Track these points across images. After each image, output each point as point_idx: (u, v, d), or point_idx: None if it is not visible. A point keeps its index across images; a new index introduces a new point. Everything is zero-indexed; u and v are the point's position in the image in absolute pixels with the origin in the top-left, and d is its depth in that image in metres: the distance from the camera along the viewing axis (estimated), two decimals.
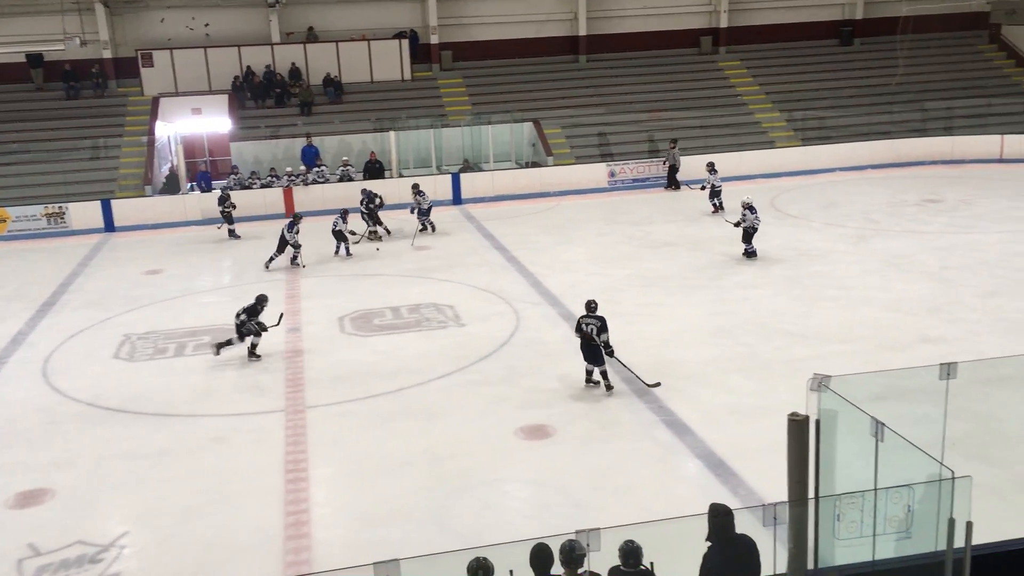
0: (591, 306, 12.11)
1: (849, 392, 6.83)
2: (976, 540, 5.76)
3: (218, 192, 23.74)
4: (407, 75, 29.87)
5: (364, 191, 21.83)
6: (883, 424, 5.77)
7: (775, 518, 5.25)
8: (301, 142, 26.73)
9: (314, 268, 19.27)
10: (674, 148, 26.32)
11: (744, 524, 6.06)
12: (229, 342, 13.91)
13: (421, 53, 30.52)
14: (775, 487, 7.33)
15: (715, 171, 23.02)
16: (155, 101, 27.69)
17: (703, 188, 23.60)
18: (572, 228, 22.04)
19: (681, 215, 22.75)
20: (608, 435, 10.90)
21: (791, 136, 28.85)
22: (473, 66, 30.86)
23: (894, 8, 31.69)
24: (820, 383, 6.49)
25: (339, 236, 20.13)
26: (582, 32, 31.27)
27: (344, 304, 16.59)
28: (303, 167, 25.72)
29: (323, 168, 25.70)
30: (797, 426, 6.41)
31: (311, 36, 29.77)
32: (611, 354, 11.96)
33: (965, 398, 8.00)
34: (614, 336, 12.06)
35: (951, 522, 5.15)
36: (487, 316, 15.57)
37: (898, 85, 30.54)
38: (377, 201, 21.62)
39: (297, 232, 19.18)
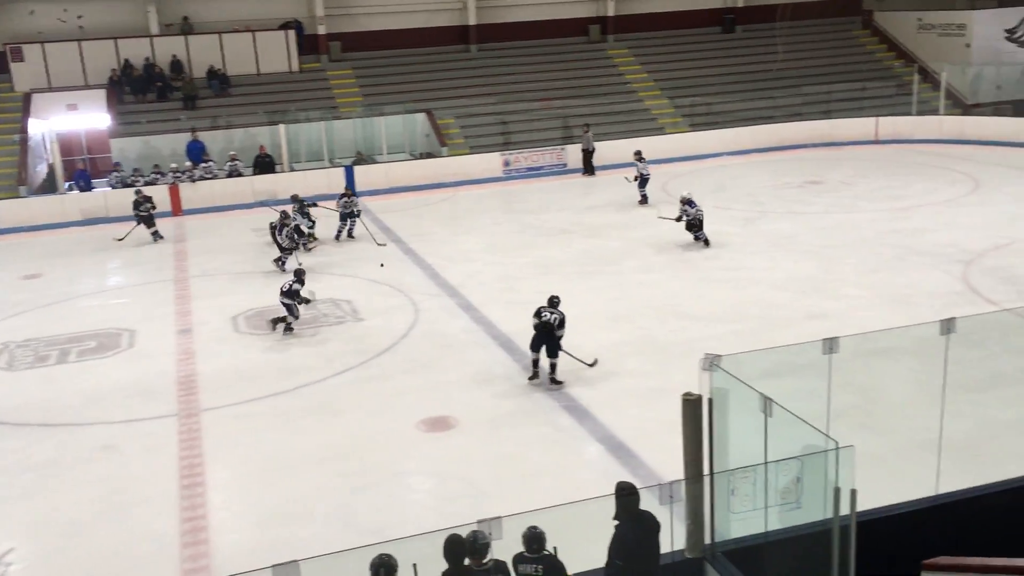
0: (554, 300, 12.03)
1: (740, 370, 7.03)
2: (861, 507, 6.02)
3: (106, 190, 22.69)
4: (295, 67, 29.26)
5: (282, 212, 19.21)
6: (771, 400, 5.96)
7: (671, 496, 5.38)
8: (186, 137, 25.87)
9: (206, 267, 18.71)
10: (587, 132, 26.59)
11: (644, 503, 6.19)
12: (284, 319, 14.32)
13: (309, 44, 29.93)
14: (674, 466, 7.50)
15: (643, 159, 22.30)
16: (27, 97, 26.37)
17: (635, 179, 22.15)
18: (469, 218, 22.04)
19: (576, 202, 22.99)
20: (510, 423, 10.97)
21: (679, 122, 29.49)
22: (363, 57, 30.45)
23: None
24: (711, 363, 6.66)
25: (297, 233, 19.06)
26: (472, 21, 31.20)
27: (238, 303, 16.17)
28: (188, 163, 24.91)
29: (211, 164, 24.96)
30: (690, 406, 6.58)
31: (186, 27, 28.78)
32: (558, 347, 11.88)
33: (849, 371, 8.36)
34: (514, 322, 12.13)
35: (836, 491, 5.37)
36: (385, 310, 15.44)
37: (778, 71, 31.56)
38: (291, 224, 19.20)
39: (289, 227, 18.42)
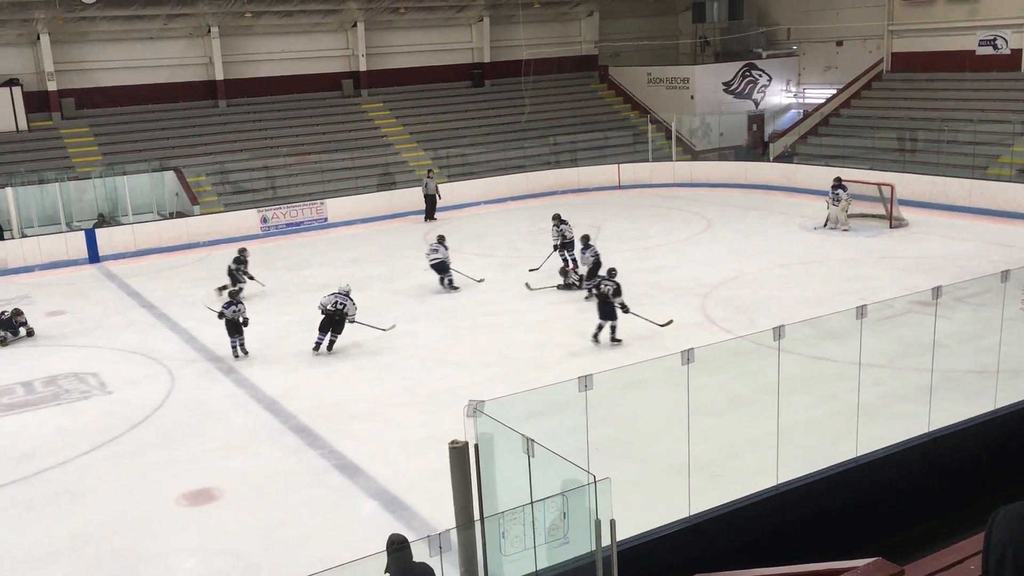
0: (612, 272, 15.21)
1: (504, 413, 7.19)
2: (623, 535, 6.31)
3: None
4: (23, 125, 27.11)
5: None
6: (533, 440, 6.13)
7: (440, 547, 5.37)
8: None
9: None
10: (431, 177, 26.53)
11: (417, 555, 6.14)
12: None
13: (39, 101, 27.85)
14: (448, 514, 7.52)
15: (563, 222, 19.71)
16: None
17: (555, 249, 19.59)
18: (226, 278, 21.13)
19: (338, 256, 22.74)
20: (278, 488, 10.56)
21: (438, 173, 30.07)
22: (101, 114, 28.75)
23: (517, 52, 34.37)
24: (475, 409, 6.77)
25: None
26: (219, 76, 30.33)
27: None
28: None
29: None
30: (457, 453, 6.64)
31: None
32: (626, 310, 14.75)
33: (607, 404, 8.76)
34: (278, 382, 11.75)
35: (597, 523, 5.58)
36: (136, 380, 14.46)
37: (527, 122, 33.09)
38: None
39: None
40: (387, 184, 28.51)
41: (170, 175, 26.97)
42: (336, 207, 26.72)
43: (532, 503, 6.26)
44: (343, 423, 12.27)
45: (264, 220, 25.82)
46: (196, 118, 29.83)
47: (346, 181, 28.36)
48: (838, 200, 22.60)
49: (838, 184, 22.81)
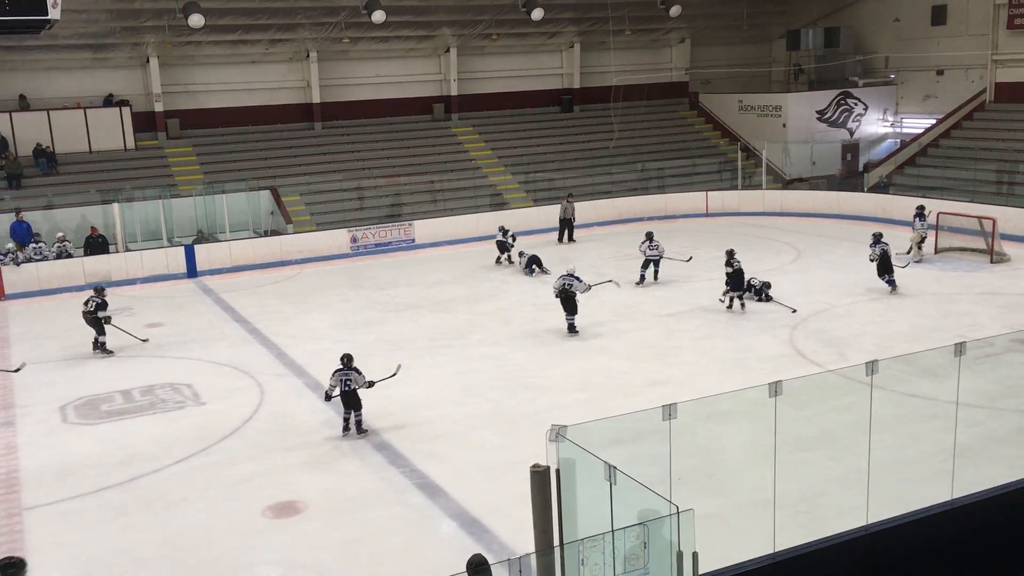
0: (731, 252, 18.23)
1: (586, 439, 7.17)
2: (705, 568, 6.21)
3: None
4: (130, 144, 28.35)
5: None
6: (615, 468, 6.10)
7: (520, 571, 5.37)
8: (9, 218, 24.43)
9: (29, 354, 17.50)
10: (570, 201, 27.21)
11: None
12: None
13: (146, 121, 29.11)
14: (527, 539, 7.52)
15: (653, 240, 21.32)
16: None
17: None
18: (315, 295, 21.70)
19: (424, 277, 23.05)
20: (360, 505, 10.72)
21: (524, 197, 30.27)
22: (203, 134, 29.85)
23: (607, 78, 34.43)
24: (557, 434, 6.77)
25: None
26: (316, 100, 31.21)
27: (67, 391, 15.23)
28: (11, 244, 23.46)
29: (40, 245, 23.55)
30: (539, 477, 6.65)
31: (23, 104, 27.53)
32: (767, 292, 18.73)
33: (689, 434, 8.65)
34: (363, 401, 11.91)
35: (679, 555, 5.51)
36: (229, 392, 14.89)
37: (615, 148, 33.06)
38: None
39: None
40: (396, 214, 28.36)
41: (266, 194, 27.81)
42: (424, 228, 27.12)
43: (612, 531, 6.22)
44: (426, 443, 12.40)
45: (354, 240, 26.37)
46: (293, 139, 30.72)
47: (434, 203, 28.77)
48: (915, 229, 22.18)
49: (917, 212, 22.37)
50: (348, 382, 12.64)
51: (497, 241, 24.39)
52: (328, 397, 13.00)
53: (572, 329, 17.30)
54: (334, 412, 13.82)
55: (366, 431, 12.75)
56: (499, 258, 24.22)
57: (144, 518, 10.62)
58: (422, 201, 28.84)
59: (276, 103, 31.04)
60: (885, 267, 19.34)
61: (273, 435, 12.92)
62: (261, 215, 27.85)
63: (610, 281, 19.91)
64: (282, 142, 30.46)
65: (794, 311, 17.97)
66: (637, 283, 20.97)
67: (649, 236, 21.48)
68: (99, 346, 17.35)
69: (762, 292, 18.98)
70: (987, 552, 7.58)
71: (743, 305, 18.40)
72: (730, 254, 18.47)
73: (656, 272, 21.26)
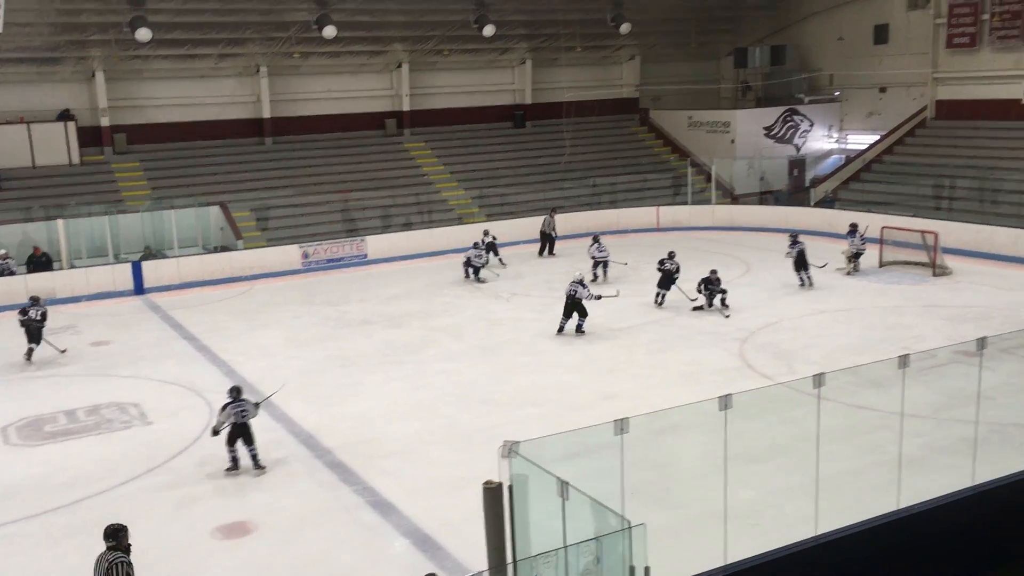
0: (672, 253, 20.22)
1: (540, 454, 7.18)
2: None
3: None
4: (75, 159, 27.84)
5: None
6: (567, 483, 6.11)
7: None
8: None
9: None
10: (553, 216, 27.56)
11: None
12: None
13: (92, 136, 28.61)
14: (480, 556, 7.49)
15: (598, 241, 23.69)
16: None
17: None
18: (266, 312, 21.45)
19: (377, 292, 22.92)
20: (311, 524, 10.58)
21: (476, 212, 30.30)
22: (151, 149, 29.40)
23: (558, 94, 34.68)
24: (510, 449, 6.77)
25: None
26: (266, 115, 30.94)
27: (8, 411, 14.84)
28: None
29: None
30: (491, 494, 6.64)
31: None
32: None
33: (643, 448, 8.71)
34: (315, 417, 11.81)
35: (632, 569, 5.53)
36: (177, 411, 14.63)
37: (567, 163, 33.27)
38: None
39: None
40: (353, 228, 28.27)
41: (215, 210, 27.46)
42: (376, 244, 27.00)
43: (565, 547, 6.22)
44: (378, 460, 12.30)
45: (305, 255, 26.14)
46: (243, 154, 30.41)
47: (386, 219, 28.67)
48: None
49: (850, 229, 23.08)
50: (244, 414, 11.94)
51: (483, 244, 24.89)
52: (215, 432, 12.04)
53: (579, 329, 18.18)
54: (286, 430, 13.68)
55: (263, 467, 12.03)
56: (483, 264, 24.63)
57: (89, 541, 10.32)
58: (375, 217, 28.71)
59: (226, 118, 30.71)
60: (801, 264, 21.32)
61: (222, 454, 12.69)
62: (210, 231, 27.48)
63: (616, 294, 20.19)
64: (232, 157, 30.14)
65: (693, 300, 19.62)
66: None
67: (596, 239, 23.72)
68: (30, 355, 17.30)
69: (703, 289, 19.75)
70: (933, 560, 7.72)
71: (660, 301, 20.19)
72: (670, 255, 20.47)
73: (605, 273, 23.14)
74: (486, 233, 25.65)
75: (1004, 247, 23.73)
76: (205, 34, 28.10)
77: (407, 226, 28.48)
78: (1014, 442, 11.27)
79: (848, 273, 22.56)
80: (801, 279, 21.37)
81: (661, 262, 20.45)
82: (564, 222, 29.74)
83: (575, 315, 18.13)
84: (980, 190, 26.66)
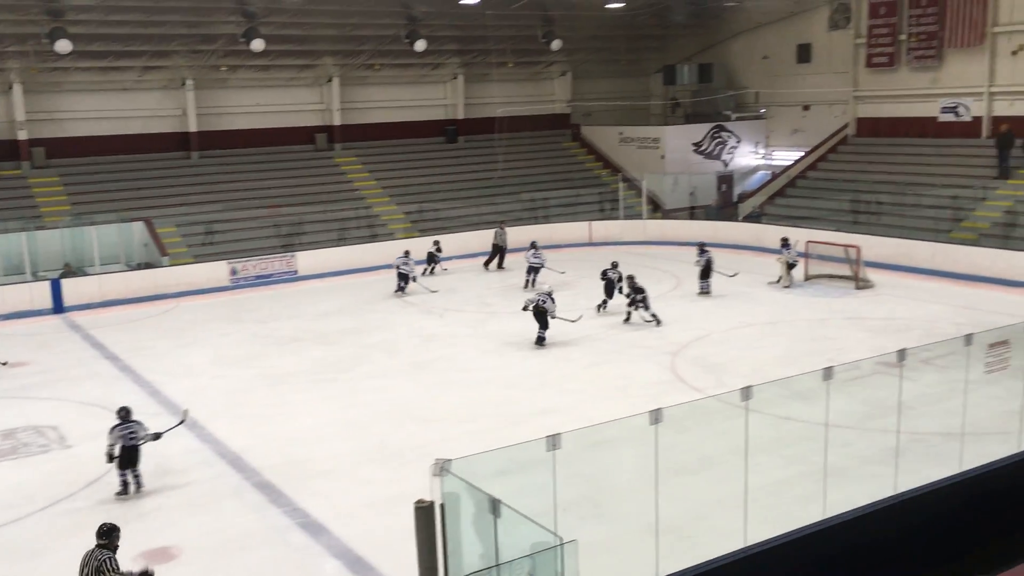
0: (614, 263, 21.63)
1: (472, 472, 7.11)
2: None
3: None
4: None
5: None
6: (499, 501, 6.06)
7: None
8: None
9: None
10: (503, 229, 27.53)
11: None
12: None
13: (8, 150, 27.69)
14: None
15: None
16: None
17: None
18: (193, 330, 20.97)
19: (307, 309, 22.59)
20: (239, 547, 10.33)
21: (409, 228, 30.14)
22: (71, 163, 28.59)
23: (491, 109, 34.79)
24: (442, 468, 6.70)
25: None
26: (193, 128, 30.36)
27: None
28: None
29: None
30: (423, 513, 6.56)
31: None
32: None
33: (576, 463, 8.70)
34: (243, 437, 11.56)
35: None
36: (97, 434, 14.02)
37: (500, 178, 33.36)
38: None
39: None
40: (290, 244, 27.97)
41: (139, 226, 26.78)
42: (307, 260, 26.65)
43: (498, 565, 6.17)
44: (308, 480, 12.08)
45: (233, 272, 25.66)
46: (168, 169, 29.76)
47: (319, 234, 28.34)
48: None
49: (782, 243, 23.56)
50: (132, 436, 11.64)
51: (428, 253, 26.06)
52: (110, 458, 11.63)
53: (540, 341, 18.35)
54: (212, 451, 13.36)
55: (142, 485, 11.85)
56: (426, 270, 25.80)
57: (6, 569, 9.95)
58: (306, 232, 28.34)
59: (150, 132, 30.03)
60: (706, 274, 22.60)
61: (146, 477, 12.33)
62: (134, 247, 26.78)
63: (579, 318, 19.45)
64: (157, 172, 29.47)
65: (574, 320, 19.18)
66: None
67: (533, 244, 24.67)
68: None
69: (632, 297, 20.04)
70: (859, 570, 7.85)
71: (602, 307, 20.95)
72: (613, 265, 21.48)
73: (534, 280, 23.71)
74: (436, 243, 26.33)
75: (923, 260, 24.50)
76: (128, 46, 27.48)
77: (339, 242, 28.19)
78: (934, 450, 11.58)
79: (786, 285, 23.00)
80: (702, 287, 22.61)
81: (604, 272, 21.23)
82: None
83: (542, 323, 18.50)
84: (900, 205, 27.51)
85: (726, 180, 35.21)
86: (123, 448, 11.64)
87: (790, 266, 23.33)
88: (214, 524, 10.93)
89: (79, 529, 10.89)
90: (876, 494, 8.52)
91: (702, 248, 23.00)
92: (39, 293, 23.01)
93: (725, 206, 33.78)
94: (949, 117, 29.64)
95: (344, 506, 11.28)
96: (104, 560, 8.14)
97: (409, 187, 31.96)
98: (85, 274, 24.90)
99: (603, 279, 21.28)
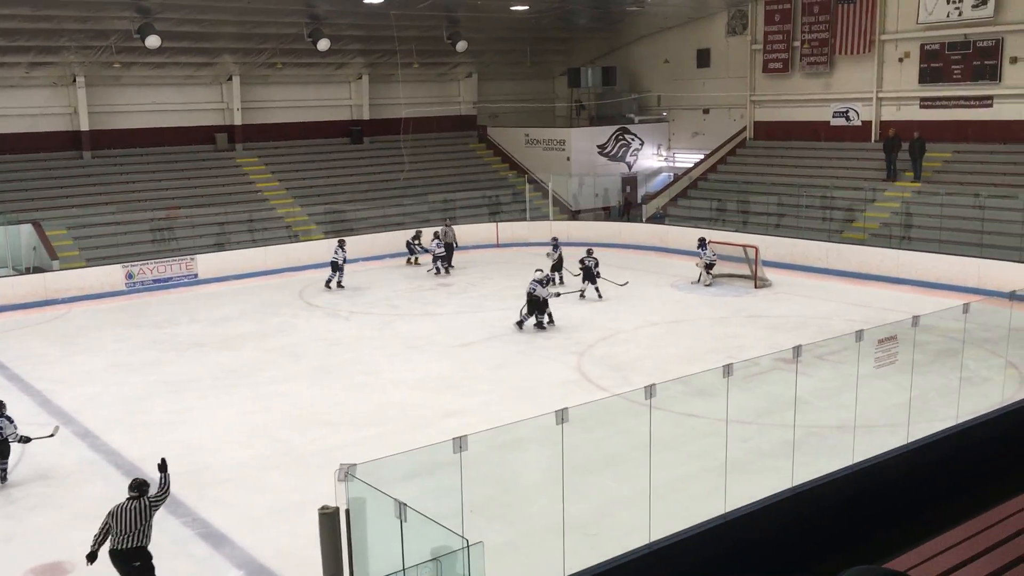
0: (590, 250, 22.67)
1: (379, 476, 7.04)
2: None
3: None
4: None
5: None
6: (405, 505, 6.02)
7: None
8: None
9: None
10: (449, 226, 27.79)
11: None
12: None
13: None
14: None
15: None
16: None
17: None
18: (86, 336, 20.19)
19: (209, 313, 22.01)
20: None
21: (314, 229, 29.67)
22: None
23: (396, 110, 34.56)
24: (347, 472, 6.61)
25: None
26: (84, 127, 29.23)
27: None
28: None
29: None
30: (328, 518, 6.46)
31: None
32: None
33: (484, 464, 8.71)
34: (142, 446, 11.18)
35: None
36: None
37: (406, 179, 33.16)
38: None
39: None
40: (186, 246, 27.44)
41: (27, 228, 25.66)
42: (207, 263, 25.98)
43: (404, 569, 6.12)
44: (209, 488, 11.77)
45: (129, 276, 24.81)
46: (58, 169, 28.61)
47: (219, 236, 27.64)
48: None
49: (700, 243, 24.10)
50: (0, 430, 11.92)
51: (406, 242, 27.84)
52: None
53: (539, 326, 19.43)
54: (108, 461, 12.89)
55: (6, 480, 12.04)
56: (409, 259, 27.70)
57: None
58: (205, 235, 27.63)
59: (39, 130, 28.79)
60: (557, 267, 24.03)
61: (36, 490, 11.83)
62: (22, 251, 25.64)
63: (625, 283, 23.30)
64: (46, 172, 28.30)
65: (623, 284, 23.01)
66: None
67: (436, 235, 26.41)
68: None
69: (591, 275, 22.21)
70: (759, 562, 8.06)
71: (597, 292, 22.20)
72: (588, 252, 22.68)
73: (448, 267, 25.89)
74: (417, 235, 27.98)
75: (817, 260, 25.40)
76: (13, 41, 26.26)
77: (241, 244, 27.56)
78: (828, 443, 12.00)
79: (707, 284, 23.57)
80: (554, 279, 23.43)
81: (582, 260, 22.54)
82: (402, 239, 29.59)
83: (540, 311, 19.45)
84: (795, 206, 28.44)
85: (630, 182, 35.80)
86: None
87: (708, 265, 23.83)
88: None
89: None
90: (775, 487, 8.78)
91: (555, 243, 24.87)
92: None
93: (629, 207, 34.34)
94: (840, 121, 30.80)
95: (247, 514, 11.04)
96: (151, 504, 9.16)
97: (314, 188, 31.49)
98: None
99: (581, 267, 22.44)
